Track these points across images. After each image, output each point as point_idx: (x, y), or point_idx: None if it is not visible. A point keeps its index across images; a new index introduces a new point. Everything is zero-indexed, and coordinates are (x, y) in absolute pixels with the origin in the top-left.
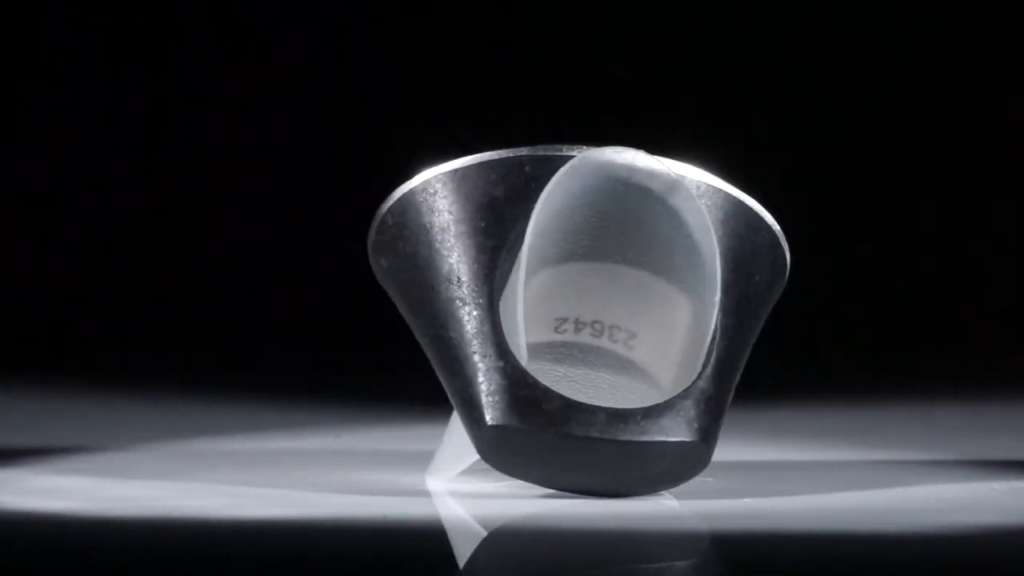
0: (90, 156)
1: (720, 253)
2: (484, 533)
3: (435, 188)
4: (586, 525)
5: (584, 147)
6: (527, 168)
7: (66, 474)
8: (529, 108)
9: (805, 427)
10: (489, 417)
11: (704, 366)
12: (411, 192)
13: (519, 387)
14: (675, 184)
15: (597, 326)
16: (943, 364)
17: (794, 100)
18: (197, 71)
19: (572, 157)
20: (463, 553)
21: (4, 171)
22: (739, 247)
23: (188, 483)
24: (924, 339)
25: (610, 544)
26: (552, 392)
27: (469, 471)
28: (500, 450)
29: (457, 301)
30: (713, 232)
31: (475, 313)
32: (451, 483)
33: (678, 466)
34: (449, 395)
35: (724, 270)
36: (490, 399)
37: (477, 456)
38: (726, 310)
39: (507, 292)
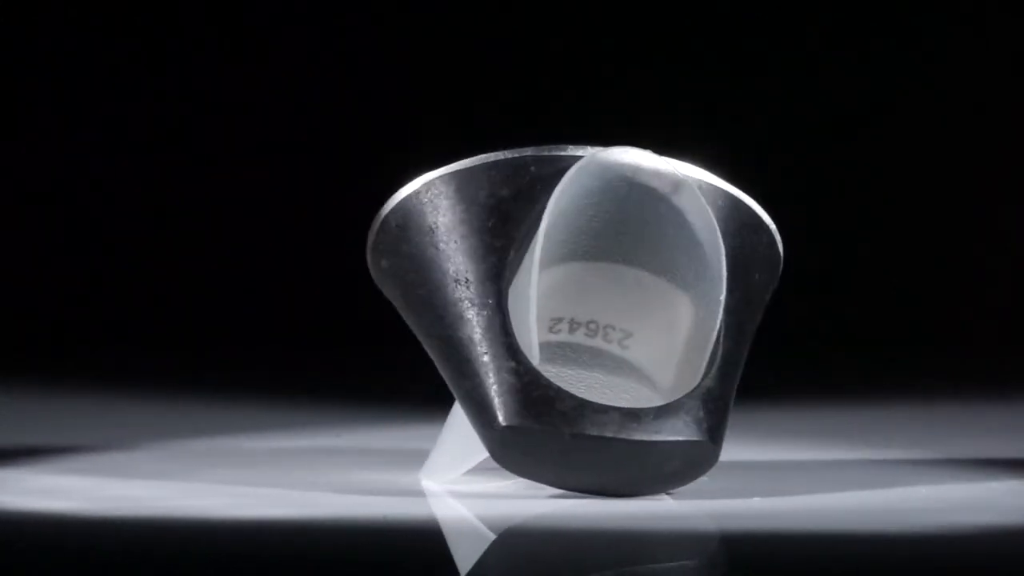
0: (91, 156)
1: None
2: (490, 534)
3: (440, 189)
4: (594, 525)
5: (588, 146)
6: (532, 168)
7: (66, 474)
8: (528, 109)
9: (805, 427)
10: (502, 418)
11: (710, 366)
12: (415, 193)
13: (532, 387)
14: (679, 184)
15: (592, 326)
16: (943, 364)
17: (794, 100)
18: (197, 71)
19: (577, 157)
20: (472, 554)
21: (4, 171)
22: (739, 246)
23: (188, 483)
24: (924, 339)
25: (619, 544)
26: (565, 392)
27: (469, 471)
28: (513, 451)
29: (465, 302)
30: (719, 232)
31: (484, 313)
32: (452, 483)
33: (687, 465)
34: (457, 396)
35: (726, 269)
36: (502, 400)
37: (479, 458)
38: (728, 309)
39: (515, 292)
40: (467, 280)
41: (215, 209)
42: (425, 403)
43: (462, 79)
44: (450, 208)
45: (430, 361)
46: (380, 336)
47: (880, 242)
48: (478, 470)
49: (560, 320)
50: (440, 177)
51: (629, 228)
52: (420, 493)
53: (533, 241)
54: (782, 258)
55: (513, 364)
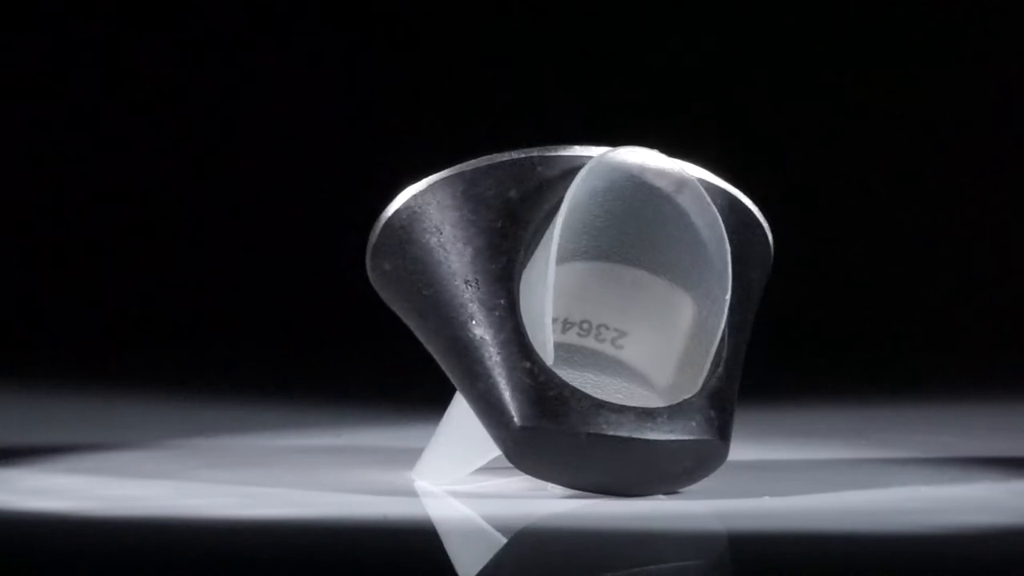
0: (92, 157)
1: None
2: (498, 535)
3: (448, 190)
4: (603, 526)
5: (592, 146)
6: (539, 169)
7: (66, 474)
8: (527, 110)
9: (805, 427)
10: (518, 418)
11: (715, 364)
12: (422, 193)
13: (547, 387)
14: (683, 183)
15: (585, 326)
16: (943, 364)
17: (795, 100)
18: (197, 71)
19: (582, 156)
20: (483, 556)
21: (5, 171)
22: (738, 244)
23: (187, 483)
24: (924, 339)
25: (629, 544)
26: (580, 392)
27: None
28: (529, 451)
29: (476, 303)
30: (724, 231)
31: (496, 314)
32: (452, 484)
33: (699, 464)
34: (467, 398)
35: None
36: (518, 400)
37: (485, 459)
38: (730, 307)
39: (526, 292)
40: (477, 281)
41: (215, 209)
42: (425, 403)
43: (460, 80)
44: (457, 209)
45: (430, 361)
46: (380, 336)
47: (880, 242)
48: (482, 470)
49: (554, 320)
50: (447, 178)
51: (631, 228)
52: (423, 493)
53: (543, 241)
54: (772, 255)
55: (528, 364)
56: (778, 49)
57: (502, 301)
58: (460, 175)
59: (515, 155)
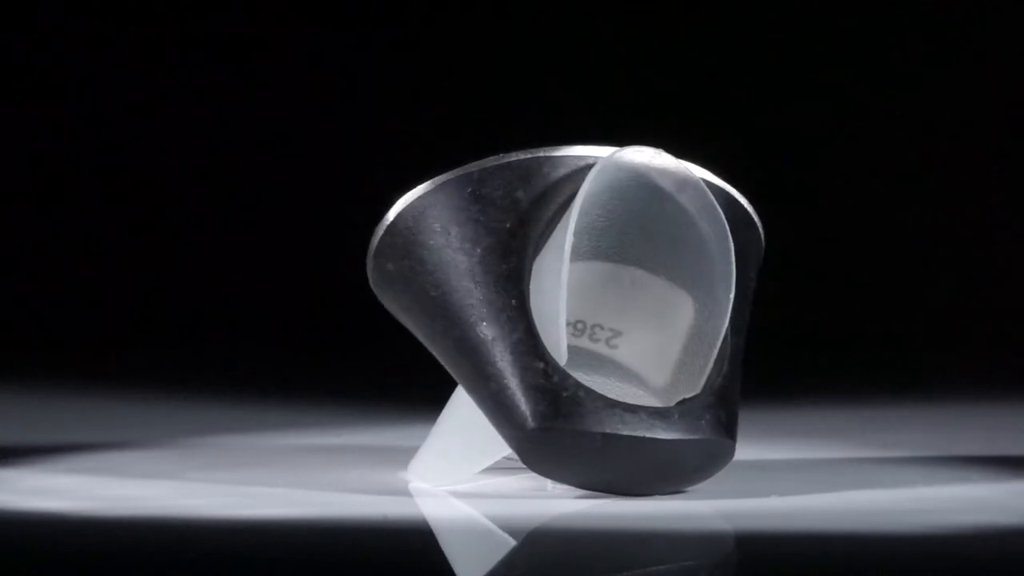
0: (92, 157)
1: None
2: (504, 535)
3: (455, 190)
4: (612, 526)
5: (596, 146)
6: (545, 169)
7: (66, 474)
8: (527, 110)
9: (805, 427)
10: (534, 419)
11: (720, 363)
12: (429, 194)
13: (561, 388)
14: (686, 182)
15: (580, 326)
16: (943, 364)
17: (795, 100)
18: (196, 71)
19: (587, 156)
20: (488, 556)
21: (5, 171)
22: (738, 243)
23: (188, 483)
24: (924, 339)
25: (636, 544)
26: (594, 392)
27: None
28: (543, 451)
29: (487, 303)
30: (728, 231)
31: (507, 314)
32: (452, 484)
33: (707, 463)
34: (477, 399)
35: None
36: (532, 401)
37: (491, 461)
38: (732, 307)
39: (536, 292)
40: (487, 281)
41: (215, 209)
42: (425, 403)
43: (460, 81)
44: (465, 209)
45: (430, 361)
46: (380, 336)
47: (880, 242)
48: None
49: None
50: (456, 178)
51: (632, 228)
52: (423, 494)
53: (551, 241)
54: (763, 254)
55: (541, 365)
56: (778, 49)
57: (513, 301)
58: (468, 175)
59: (522, 155)
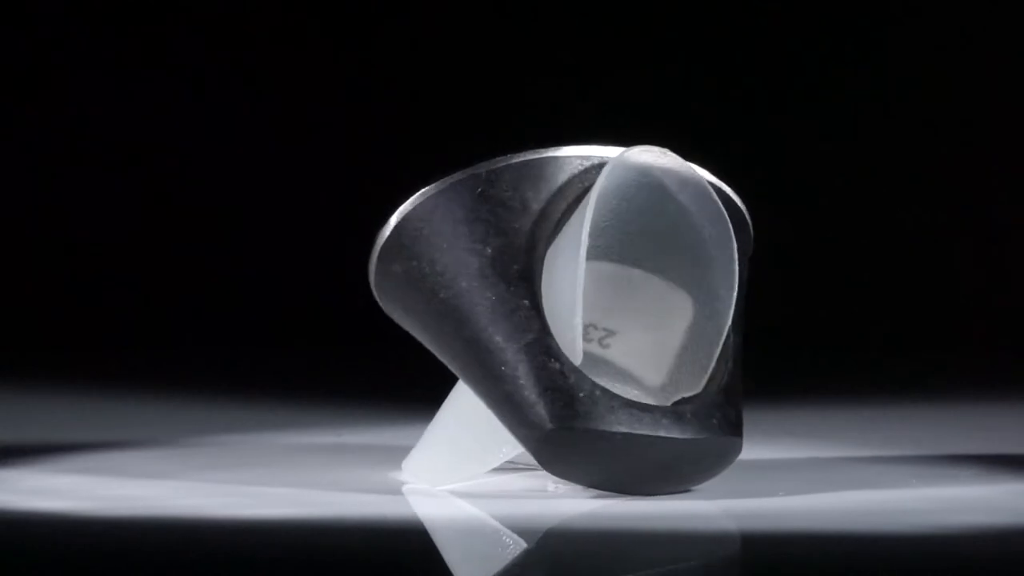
0: (93, 158)
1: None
2: (515, 536)
3: (464, 191)
4: (621, 526)
5: (602, 145)
6: (552, 169)
7: (66, 474)
8: (526, 111)
9: (805, 427)
10: (552, 419)
11: (723, 362)
12: (439, 195)
13: (578, 388)
14: (688, 182)
15: None
16: (943, 364)
17: (795, 100)
18: (198, 71)
19: (594, 156)
20: (503, 557)
21: (6, 171)
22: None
23: (188, 483)
24: (924, 339)
25: (647, 545)
26: (609, 392)
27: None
28: (561, 452)
29: (499, 303)
30: (731, 230)
31: (520, 314)
32: (452, 485)
33: (718, 461)
34: (489, 399)
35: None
36: (549, 401)
37: (497, 462)
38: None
39: (548, 292)
40: (499, 282)
41: (215, 210)
42: (425, 403)
43: (459, 82)
44: (475, 210)
45: (429, 361)
46: (380, 336)
47: (880, 242)
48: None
49: None
50: (465, 178)
51: (632, 227)
52: (424, 494)
53: (561, 240)
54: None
55: (557, 365)
56: (778, 49)
57: (526, 302)
58: (477, 176)
59: (529, 155)
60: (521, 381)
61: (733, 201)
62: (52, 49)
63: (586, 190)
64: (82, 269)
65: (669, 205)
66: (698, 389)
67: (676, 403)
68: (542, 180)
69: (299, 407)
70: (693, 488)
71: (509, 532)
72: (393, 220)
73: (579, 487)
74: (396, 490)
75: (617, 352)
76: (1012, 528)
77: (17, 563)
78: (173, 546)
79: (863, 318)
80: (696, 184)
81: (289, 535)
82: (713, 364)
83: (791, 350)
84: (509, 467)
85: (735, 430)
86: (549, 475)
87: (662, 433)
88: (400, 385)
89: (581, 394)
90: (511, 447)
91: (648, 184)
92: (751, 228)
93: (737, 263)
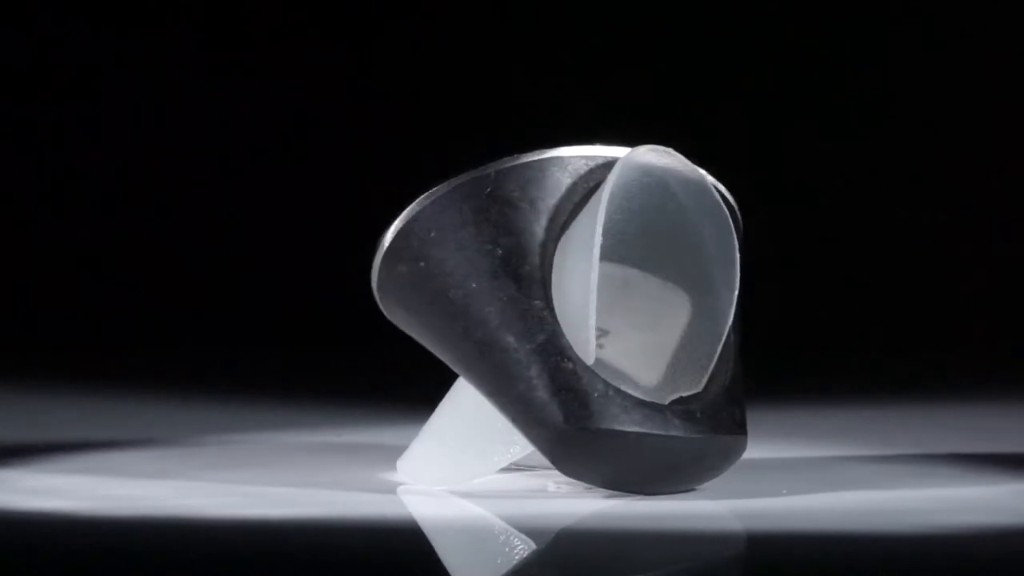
0: (93, 158)
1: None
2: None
3: (473, 191)
4: (629, 526)
5: (608, 145)
6: (559, 169)
7: (66, 474)
8: (526, 111)
9: (805, 427)
10: (568, 420)
11: (725, 361)
12: (447, 195)
13: (592, 388)
14: (690, 181)
15: None
16: (943, 364)
17: (795, 100)
18: (198, 71)
19: (600, 156)
20: (507, 558)
21: (6, 171)
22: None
23: (188, 483)
24: (924, 339)
25: (653, 544)
26: (623, 391)
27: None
28: (575, 452)
29: (511, 304)
30: (733, 229)
31: (532, 315)
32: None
33: (725, 459)
34: (501, 400)
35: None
36: (564, 401)
37: (504, 463)
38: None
39: (559, 292)
40: (511, 282)
41: (215, 210)
42: (425, 403)
43: (460, 84)
44: (483, 210)
45: (429, 360)
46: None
47: (880, 242)
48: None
49: None
50: (474, 179)
51: (632, 227)
52: (426, 493)
53: (569, 240)
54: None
55: (570, 366)
56: (778, 48)
57: (537, 302)
58: (485, 176)
59: (536, 156)
60: (534, 381)
61: (727, 199)
62: (52, 49)
63: (591, 190)
64: (82, 269)
65: (670, 204)
66: (698, 388)
67: (674, 402)
68: (549, 180)
69: (299, 407)
70: (697, 488)
71: (514, 532)
72: (400, 221)
73: (580, 487)
74: (396, 490)
75: (611, 352)
76: (1012, 528)
77: (17, 563)
78: (173, 546)
79: (863, 318)
80: (698, 183)
81: (289, 535)
82: (714, 364)
83: (791, 350)
84: (509, 467)
85: (741, 429)
86: (549, 475)
87: (674, 432)
88: (400, 385)
89: (595, 394)
90: (520, 448)
91: (650, 184)
92: (741, 225)
93: (738, 264)
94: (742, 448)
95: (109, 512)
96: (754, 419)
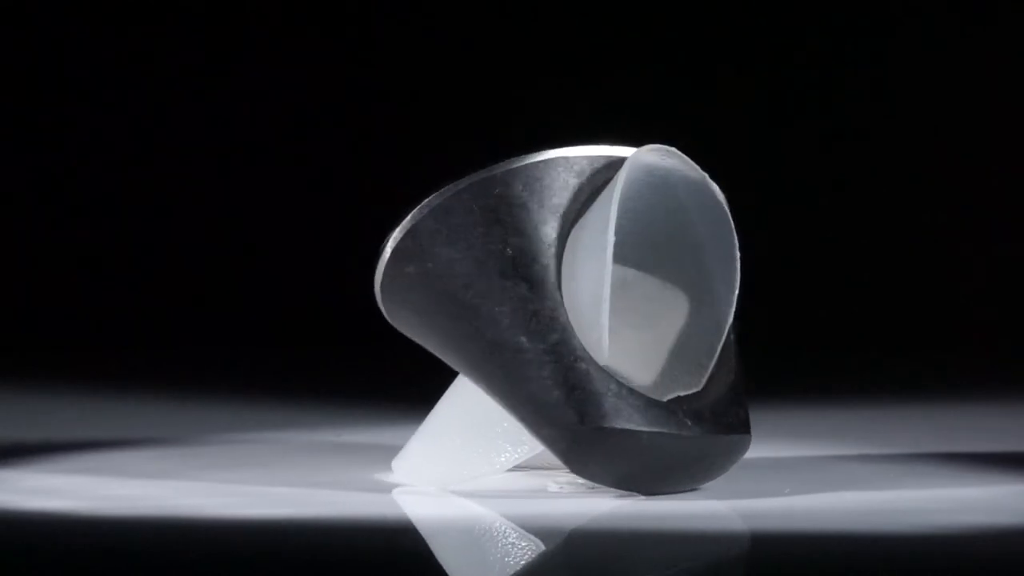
0: (94, 158)
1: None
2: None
3: (482, 192)
4: (635, 526)
5: (612, 145)
6: (565, 169)
7: (66, 474)
8: (526, 111)
9: (805, 427)
10: (584, 420)
11: (726, 360)
12: (456, 196)
13: (606, 388)
14: (691, 180)
15: None
16: (943, 364)
17: (795, 100)
18: (198, 71)
19: (605, 156)
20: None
21: (6, 171)
22: None
23: (188, 483)
24: (924, 339)
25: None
26: (636, 391)
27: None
28: (591, 451)
29: (523, 303)
30: (734, 229)
31: (544, 315)
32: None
33: (729, 458)
34: (513, 400)
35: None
36: (579, 402)
37: (509, 465)
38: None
39: (570, 292)
40: (521, 282)
41: (215, 210)
42: (425, 402)
43: (460, 85)
44: (492, 210)
45: (429, 360)
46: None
47: (880, 242)
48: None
49: None
50: (483, 180)
51: (633, 227)
52: (427, 493)
53: (576, 240)
54: None
55: (583, 366)
56: (778, 48)
57: (548, 302)
58: (493, 177)
59: (543, 156)
60: (548, 382)
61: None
62: (52, 49)
63: (597, 190)
64: (82, 269)
65: (671, 204)
66: (698, 387)
67: (676, 400)
68: (556, 180)
69: (299, 407)
70: (700, 487)
71: (516, 533)
72: (408, 221)
73: (581, 487)
74: (395, 490)
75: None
76: (1012, 528)
77: (17, 563)
78: (173, 546)
79: (863, 318)
80: (699, 183)
81: (288, 535)
82: (713, 363)
83: (791, 350)
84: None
85: (746, 427)
86: (549, 475)
87: (686, 432)
88: (400, 385)
89: (609, 394)
90: (528, 448)
91: (652, 183)
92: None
93: (738, 263)
94: (746, 447)
95: (109, 512)
96: (754, 419)
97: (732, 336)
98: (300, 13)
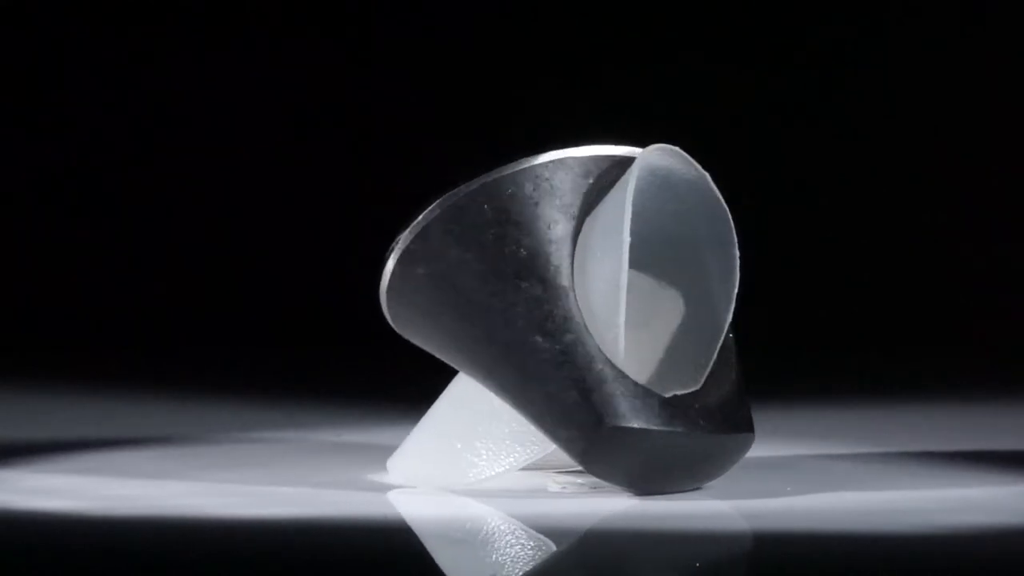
0: (94, 158)
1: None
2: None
3: (495, 193)
4: (633, 526)
5: (615, 145)
6: (574, 169)
7: (66, 474)
8: (525, 111)
9: (805, 427)
10: (604, 420)
11: (729, 359)
12: (469, 196)
13: (622, 387)
14: (692, 179)
15: None
16: (943, 364)
17: (795, 100)
18: (199, 71)
19: (610, 156)
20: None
21: (7, 171)
22: None
23: (188, 483)
24: (924, 339)
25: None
26: (651, 391)
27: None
28: (608, 452)
29: (539, 304)
30: (733, 228)
31: (560, 315)
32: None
33: (734, 457)
34: (525, 401)
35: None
36: (597, 403)
37: (517, 467)
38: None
39: (583, 292)
40: (536, 283)
41: (215, 210)
42: (425, 402)
43: (461, 86)
44: (505, 211)
45: (429, 360)
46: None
47: (880, 242)
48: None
49: None
50: (496, 180)
51: (632, 226)
52: (427, 493)
53: (586, 240)
54: None
55: (600, 366)
56: (778, 48)
57: (562, 302)
58: (504, 178)
59: (551, 156)
60: (564, 382)
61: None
62: (52, 49)
63: (604, 189)
64: (82, 269)
65: (671, 203)
66: (696, 386)
67: (681, 398)
68: (565, 181)
69: (299, 407)
70: (702, 486)
71: (518, 533)
72: (418, 223)
73: (581, 487)
74: (394, 490)
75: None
76: (1012, 528)
77: (17, 563)
78: (173, 546)
79: (863, 318)
80: (700, 182)
81: (289, 535)
82: (712, 361)
83: (791, 350)
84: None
85: (750, 426)
86: (549, 475)
87: (698, 431)
88: (400, 385)
89: (626, 393)
90: (538, 448)
91: (653, 182)
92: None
93: (738, 262)
94: (750, 445)
95: (109, 512)
96: (755, 419)
97: (732, 336)
98: (300, 13)
